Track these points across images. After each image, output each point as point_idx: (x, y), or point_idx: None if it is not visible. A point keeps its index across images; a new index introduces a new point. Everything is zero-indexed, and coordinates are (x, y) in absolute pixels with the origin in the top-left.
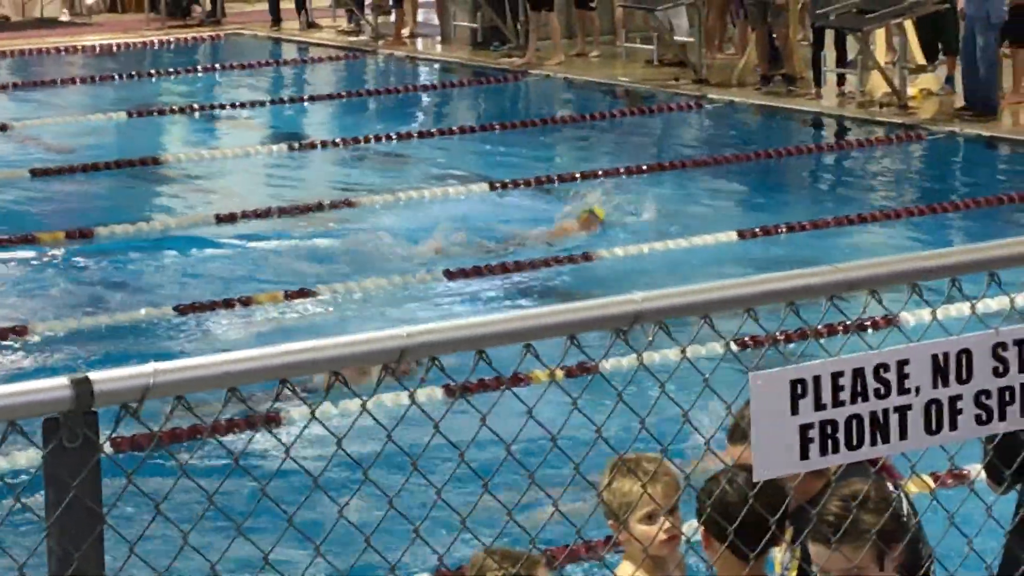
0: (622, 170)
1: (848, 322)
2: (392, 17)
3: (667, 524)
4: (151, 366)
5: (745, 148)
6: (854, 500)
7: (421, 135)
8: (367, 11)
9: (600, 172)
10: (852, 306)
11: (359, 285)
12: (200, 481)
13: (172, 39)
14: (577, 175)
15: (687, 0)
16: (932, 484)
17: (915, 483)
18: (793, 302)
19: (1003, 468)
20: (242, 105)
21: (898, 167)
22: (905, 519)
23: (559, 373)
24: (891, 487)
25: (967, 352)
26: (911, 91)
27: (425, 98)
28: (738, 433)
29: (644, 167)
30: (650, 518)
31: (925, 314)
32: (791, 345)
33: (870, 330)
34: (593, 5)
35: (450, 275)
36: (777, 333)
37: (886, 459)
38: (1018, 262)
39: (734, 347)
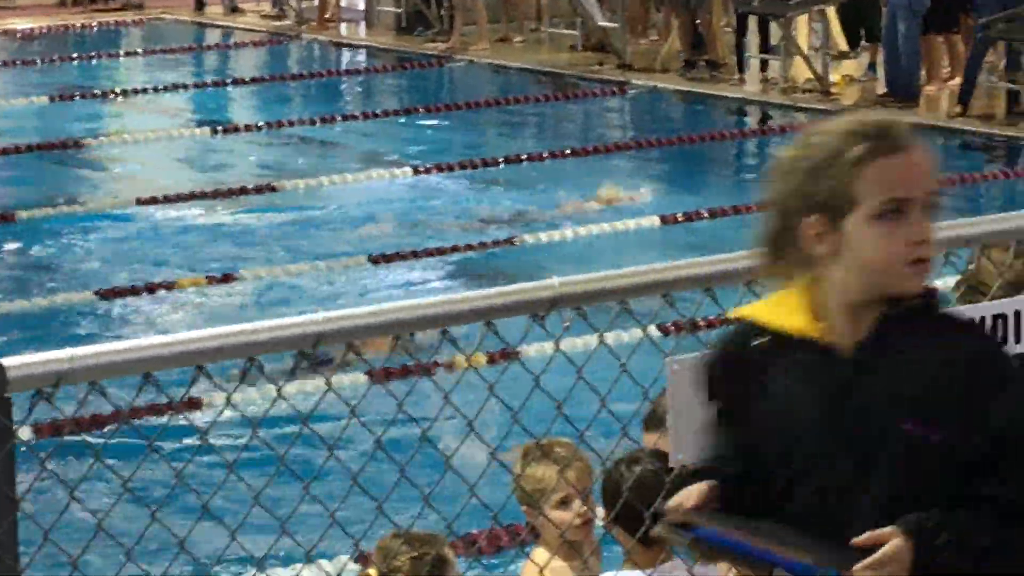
0: (546, 155)
1: None
2: (316, 1)
3: (582, 508)
4: (67, 352)
5: (668, 133)
6: None
7: (345, 119)
8: None
9: (524, 157)
10: (769, 291)
11: (283, 270)
12: (121, 467)
13: (95, 23)
14: (501, 160)
15: None
16: None
17: None
18: (710, 287)
19: None
20: (165, 89)
21: None
22: None
23: (480, 358)
24: None
25: None
26: (834, 77)
27: (349, 83)
28: (654, 420)
29: (568, 152)
30: (564, 503)
31: None
32: (713, 332)
33: None
34: None
35: (374, 260)
36: (695, 319)
37: None
38: (945, 245)
39: (654, 332)
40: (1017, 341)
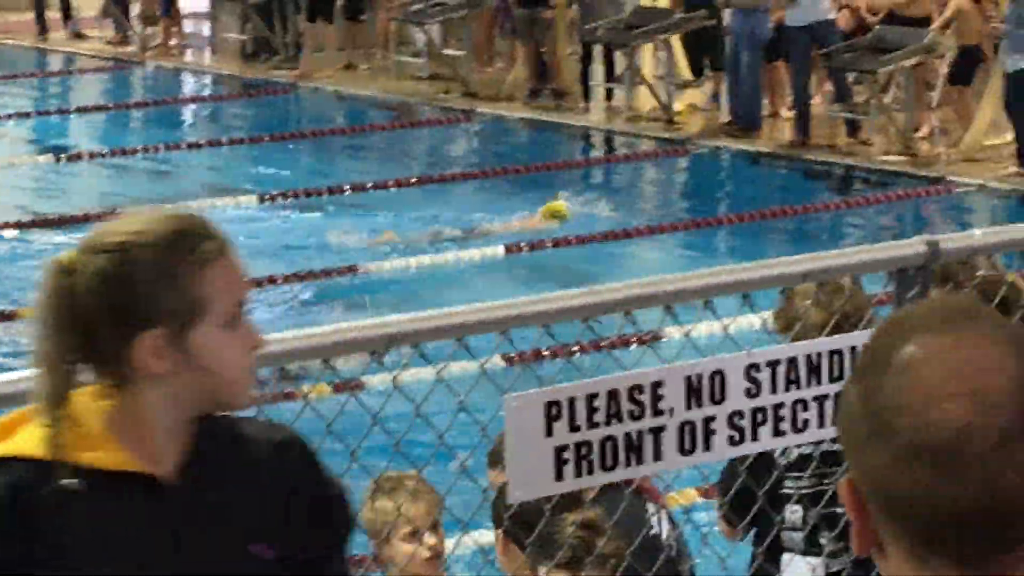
0: (391, 183)
1: (605, 340)
2: (160, 27)
3: (431, 541)
4: None
5: (514, 162)
6: (590, 527)
7: (190, 147)
8: (134, 21)
9: (370, 185)
10: (608, 325)
11: None
12: None
13: None
14: (347, 188)
15: (457, 14)
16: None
17: (685, 496)
18: (548, 325)
19: (742, 514)
20: (7, 116)
21: (665, 181)
22: (664, 540)
23: (324, 388)
24: (650, 508)
25: (720, 373)
26: (678, 106)
27: (194, 110)
28: (498, 457)
29: (413, 180)
30: (413, 536)
31: (678, 333)
32: (557, 361)
33: (634, 345)
34: (363, 18)
35: None
36: (540, 351)
37: (645, 479)
38: (770, 283)
39: (499, 362)
40: (842, 377)
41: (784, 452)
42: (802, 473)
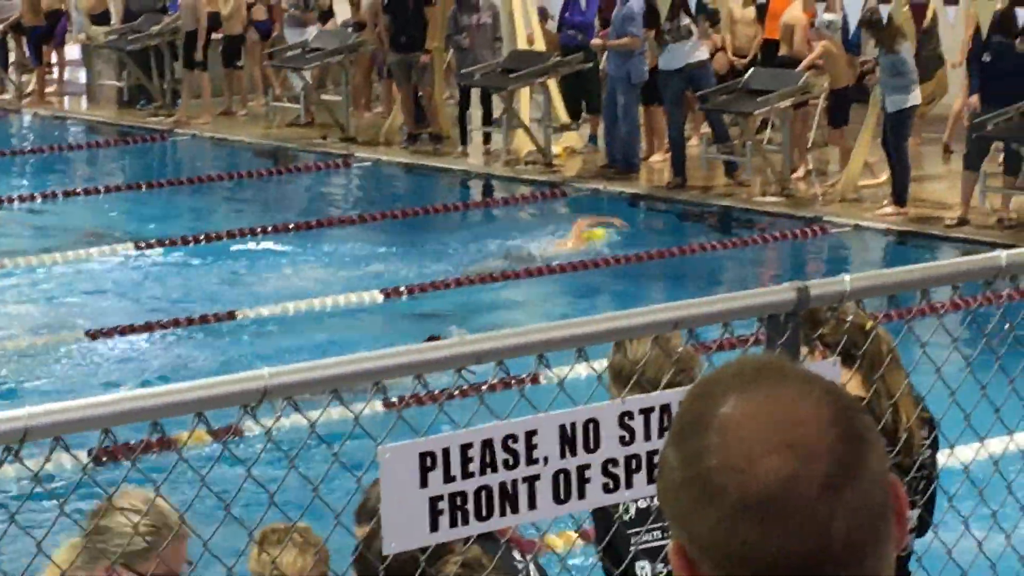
0: (269, 229)
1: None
2: (35, 75)
3: None
4: None
5: (392, 206)
6: (470, 566)
7: (66, 195)
8: (10, 69)
9: (247, 231)
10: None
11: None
12: None
13: None
14: (224, 234)
15: (335, 59)
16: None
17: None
18: (421, 375)
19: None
20: None
21: (543, 224)
22: None
23: (202, 434)
24: (517, 556)
25: (594, 422)
26: (556, 149)
27: (70, 157)
28: (365, 512)
29: (291, 226)
30: None
31: (554, 376)
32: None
33: (513, 386)
34: (240, 64)
35: (92, 336)
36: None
37: (513, 529)
38: (640, 332)
39: (377, 406)
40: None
41: (625, 508)
42: (642, 528)
